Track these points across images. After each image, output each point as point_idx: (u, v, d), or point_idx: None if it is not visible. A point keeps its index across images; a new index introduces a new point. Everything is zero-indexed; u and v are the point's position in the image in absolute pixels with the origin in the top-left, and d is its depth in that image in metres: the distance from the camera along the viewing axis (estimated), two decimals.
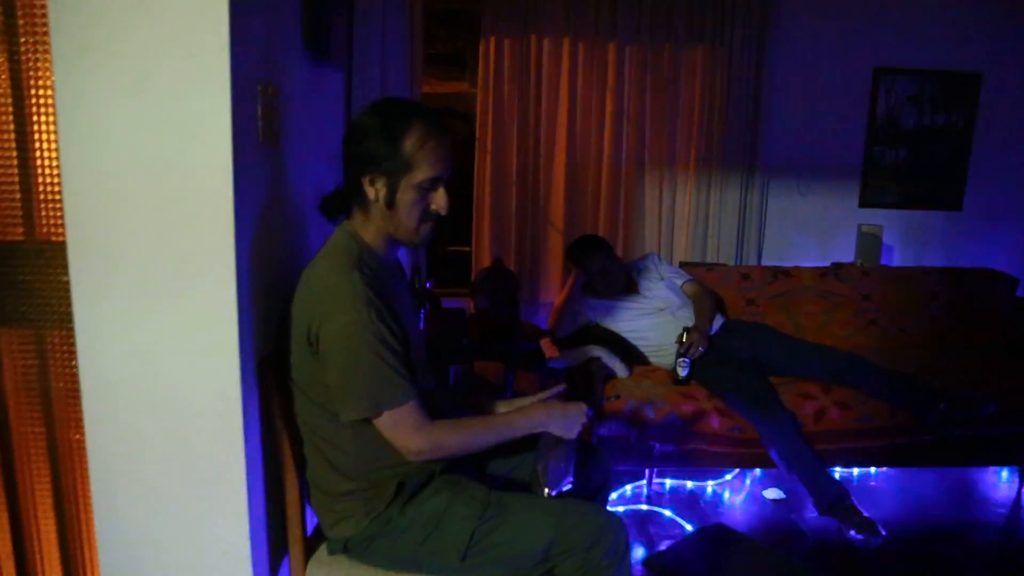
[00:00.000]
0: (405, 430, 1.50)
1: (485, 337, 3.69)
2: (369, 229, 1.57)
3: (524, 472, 1.79)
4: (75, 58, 1.30)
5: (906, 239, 4.78)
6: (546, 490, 1.61)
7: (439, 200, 1.55)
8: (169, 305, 1.40)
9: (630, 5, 4.30)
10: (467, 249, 4.65)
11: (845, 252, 4.68)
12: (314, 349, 1.48)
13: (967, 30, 4.56)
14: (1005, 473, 3.32)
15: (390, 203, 1.52)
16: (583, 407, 1.70)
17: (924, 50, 4.58)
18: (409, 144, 1.49)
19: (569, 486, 1.64)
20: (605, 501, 1.95)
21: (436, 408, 1.60)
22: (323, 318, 1.45)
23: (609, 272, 3.12)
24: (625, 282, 3.18)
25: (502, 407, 1.88)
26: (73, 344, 1.43)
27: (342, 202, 1.61)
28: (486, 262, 4.49)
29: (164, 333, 1.41)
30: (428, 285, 3.17)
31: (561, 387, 1.86)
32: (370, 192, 1.52)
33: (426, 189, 1.52)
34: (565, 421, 1.67)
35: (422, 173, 1.50)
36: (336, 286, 1.46)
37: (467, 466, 1.71)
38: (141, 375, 1.43)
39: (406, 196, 1.51)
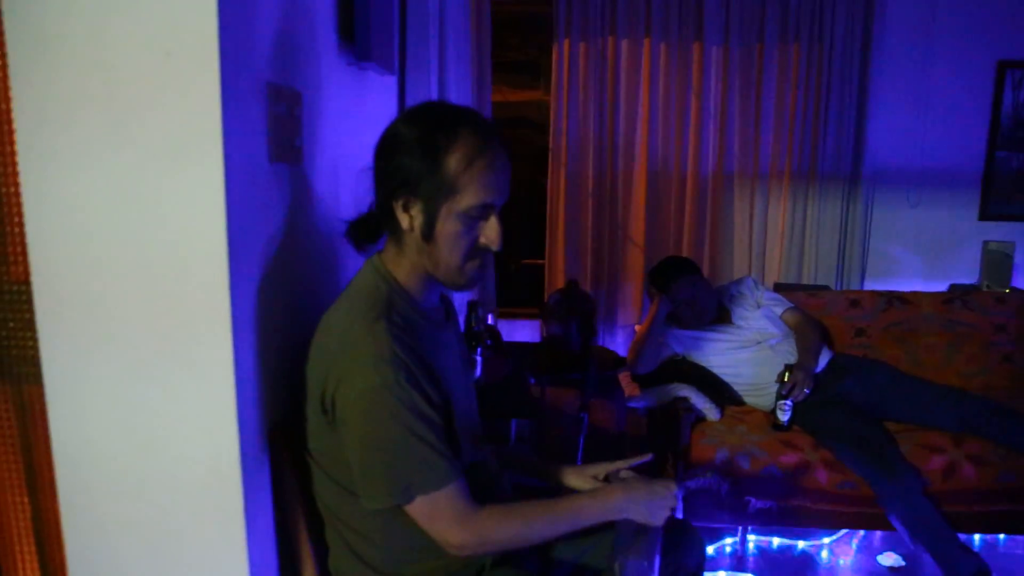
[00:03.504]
0: (443, 521, 1.19)
1: (556, 366, 3.38)
2: (402, 265, 1.27)
3: (596, 558, 1.46)
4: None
5: None
6: None
7: (489, 232, 1.23)
8: (151, 364, 1.13)
9: (717, 2, 3.92)
10: (542, 262, 4.33)
11: (965, 273, 4.14)
12: (329, 418, 1.19)
13: None
14: None
15: (427, 235, 1.21)
16: (672, 487, 1.36)
17: None
18: (453, 161, 1.17)
19: None
20: None
21: (484, 475, 1.29)
22: (339, 381, 1.15)
23: (697, 299, 2.73)
24: (716, 310, 2.79)
25: (570, 476, 1.55)
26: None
27: (373, 229, 1.32)
28: (559, 281, 4.17)
29: (146, 397, 1.14)
30: (490, 319, 2.79)
31: (647, 457, 1.52)
32: (403, 220, 1.22)
33: (474, 218, 1.21)
34: (650, 505, 1.33)
35: (469, 198, 1.18)
36: (355, 341, 1.16)
37: (526, 554, 1.39)
38: (120, 447, 1.16)
39: (448, 226, 1.20)
